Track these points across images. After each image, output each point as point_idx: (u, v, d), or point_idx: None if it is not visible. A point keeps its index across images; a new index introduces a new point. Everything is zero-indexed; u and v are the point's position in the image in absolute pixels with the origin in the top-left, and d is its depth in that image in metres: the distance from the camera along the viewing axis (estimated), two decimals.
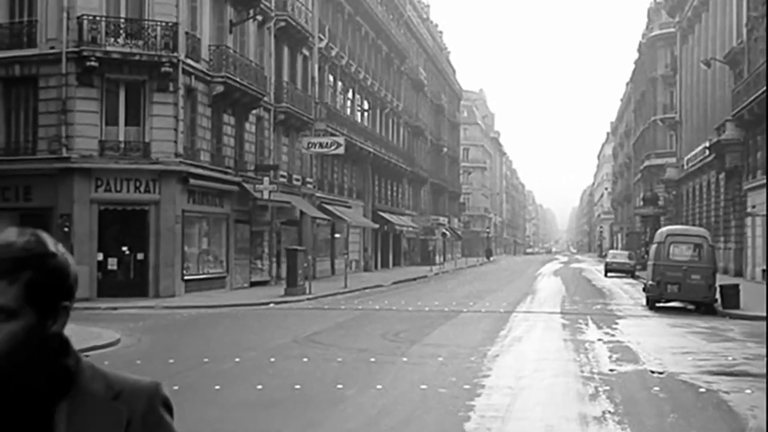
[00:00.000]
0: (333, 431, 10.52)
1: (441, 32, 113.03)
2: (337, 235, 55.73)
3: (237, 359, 15.96)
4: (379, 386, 13.47)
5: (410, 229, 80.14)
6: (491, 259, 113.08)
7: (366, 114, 66.53)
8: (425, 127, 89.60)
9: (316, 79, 52.93)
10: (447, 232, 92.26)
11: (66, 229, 32.57)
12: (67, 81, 32.96)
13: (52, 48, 33.02)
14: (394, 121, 76.51)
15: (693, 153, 63.25)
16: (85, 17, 32.78)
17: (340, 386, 13.32)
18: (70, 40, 32.89)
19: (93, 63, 32.71)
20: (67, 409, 2.14)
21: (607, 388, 13.48)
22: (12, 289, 2.04)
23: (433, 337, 20.71)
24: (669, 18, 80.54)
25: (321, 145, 48.58)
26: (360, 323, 24.68)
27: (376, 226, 65.60)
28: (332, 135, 51.00)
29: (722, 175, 52.69)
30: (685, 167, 67.68)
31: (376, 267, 67.25)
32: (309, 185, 51.22)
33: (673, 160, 76.43)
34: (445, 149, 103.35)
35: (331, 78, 57.17)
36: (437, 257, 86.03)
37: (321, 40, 53.34)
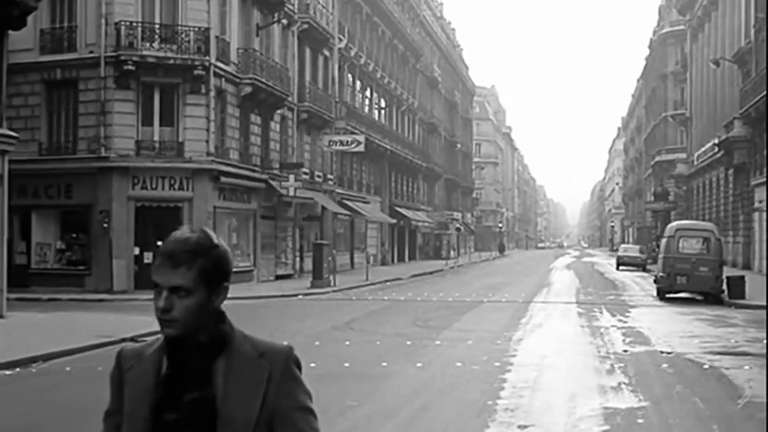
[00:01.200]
0: (391, 396, 12.20)
1: (454, 29, 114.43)
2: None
3: (285, 342, 17.59)
4: (419, 364, 15.24)
5: (425, 224, 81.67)
6: (504, 253, 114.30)
7: (383, 112, 68.14)
8: (439, 124, 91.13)
9: (336, 79, 54.58)
10: (461, 227, 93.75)
11: (105, 225, 34.30)
12: (105, 84, 34.63)
13: (91, 52, 34.69)
14: (410, 118, 78.07)
15: (703, 149, 64.68)
16: (122, 23, 34.42)
17: (384, 364, 15.04)
18: (108, 45, 34.52)
19: (130, 67, 34.36)
20: (224, 363, 2.76)
21: (622, 365, 15.28)
22: (190, 273, 2.67)
23: (461, 324, 22.51)
24: (680, 16, 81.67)
25: (342, 143, 50.31)
26: (389, 312, 26.43)
27: (394, 221, 67.29)
28: (352, 133, 52.66)
29: (731, 172, 54.14)
30: (695, 163, 69.05)
31: (392, 261, 68.83)
32: (330, 182, 52.90)
33: (684, 155, 77.62)
34: (459, 145, 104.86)
35: (350, 77, 58.79)
36: (451, 252, 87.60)
37: (341, 40, 54.98)
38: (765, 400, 11.40)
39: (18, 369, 15.14)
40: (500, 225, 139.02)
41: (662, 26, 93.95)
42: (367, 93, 63.81)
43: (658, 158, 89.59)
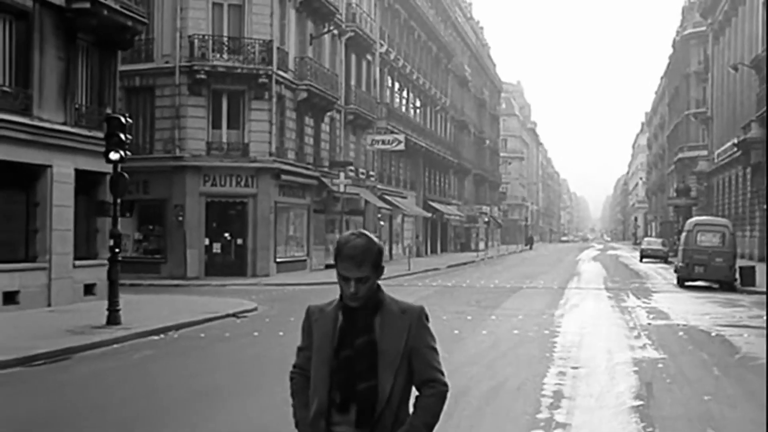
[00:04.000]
0: (472, 352, 15.98)
1: (482, 28, 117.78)
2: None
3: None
4: (484, 332, 19.14)
5: (456, 217, 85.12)
6: (532, 247, 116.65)
7: (418, 111, 71.81)
8: (469, 121, 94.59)
9: (378, 81, 58.36)
10: (489, 220, 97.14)
11: (180, 218, 38.16)
12: (179, 91, 38.47)
13: (166, 62, 38.52)
14: (442, 116, 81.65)
15: (723, 148, 67.71)
16: (195, 36, 38.26)
17: (456, 332, 18.83)
18: (183, 56, 38.38)
19: (202, 76, 38.20)
20: (380, 318, 4.05)
21: (646, 332, 19.29)
22: (367, 268, 3.96)
23: (508, 304, 26.42)
24: (702, 18, 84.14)
25: (384, 142, 54.38)
26: (442, 295, 30.23)
27: (430, 215, 71.03)
28: (392, 132, 56.50)
29: (748, 170, 57.31)
30: (716, 161, 71.99)
31: (426, 253, 72.43)
32: (372, 178, 56.68)
33: (705, 153, 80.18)
34: (487, 141, 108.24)
35: (389, 79, 62.48)
36: (480, 244, 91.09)
37: (382, 45, 58.70)
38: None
39: (162, 335, 18.99)
40: (526, 219, 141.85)
41: (685, 27, 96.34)
42: (405, 93, 67.48)
43: (680, 155, 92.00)
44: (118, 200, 21.01)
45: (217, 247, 39.24)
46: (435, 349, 4.15)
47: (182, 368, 15.10)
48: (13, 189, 23.45)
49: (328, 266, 47.38)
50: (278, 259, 41.07)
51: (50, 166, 24.11)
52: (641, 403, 11.37)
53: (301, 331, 4.24)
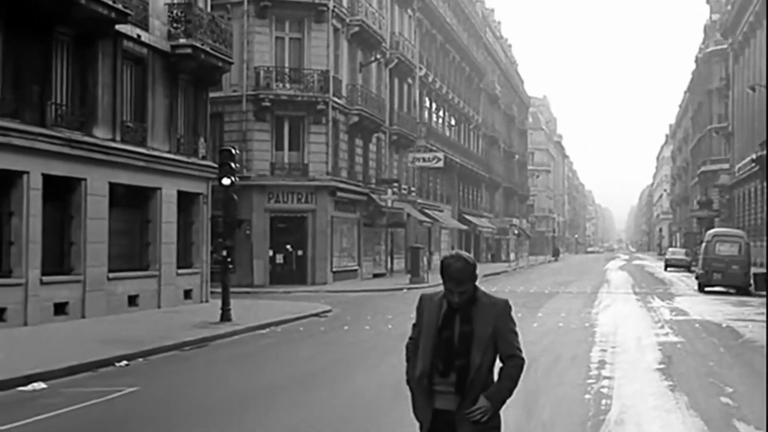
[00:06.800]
0: (530, 337, 19.89)
1: (510, 46, 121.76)
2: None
3: (411, 315, 25.32)
4: (535, 324, 23.33)
5: (488, 229, 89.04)
6: (558, 258, 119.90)
7: (453, 129, 75.93)
8: (499, 136, 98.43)
9: (417, 103, 62.58)
10: (519, 232, 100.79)
11: (248, 232, 42.28)
12: (246, 117, 42.60)
13: (234, 91, 42.70)
14: (474, 133, 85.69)
15: (743, 162, 70.91)
16: (260, 68, 42.48)
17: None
18: (249, 85, 42.54)
19: (266, 103, 42.36)
20: (476, 308, 5.33)
21: (669, 325, 23.83)
22: (468, 283, 5.27)
23: (550, 305, 30.73)
24: (722, 37, 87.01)
25: (424, 160, 58.70)
26: None
27: (466, 227, 75.15)
28: (431, 150, 60.77)
29: (765, 184, 60.92)
30: (736, 175, 75.15)
31: None
32: (413, 193, 60.85)
33: (727, 166, 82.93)
34: (516, 156, 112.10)
35: (427, 100, 66.59)
36: (511, 255, 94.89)
37: (421, 69, 62.91)
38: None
39: (268, 330, 23.16)
40: (553, 230, 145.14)
41: (707, 45, 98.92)
42: (441, 113, 71.57)
43: (703, 168, 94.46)
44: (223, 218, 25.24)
45: (279, 258, 43.20)
46: (515, 332, 5.50)
47: (304, 350, 19.23)
48: (131, 209, 27.80)
49: (375, 275, 51.60)
50: (334, 269, 45.14)
51: (160, 189, 28.46)
52: (663, 366, 15.79)
53: (416, 313, 5.54)
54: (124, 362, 16.50)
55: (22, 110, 21.68)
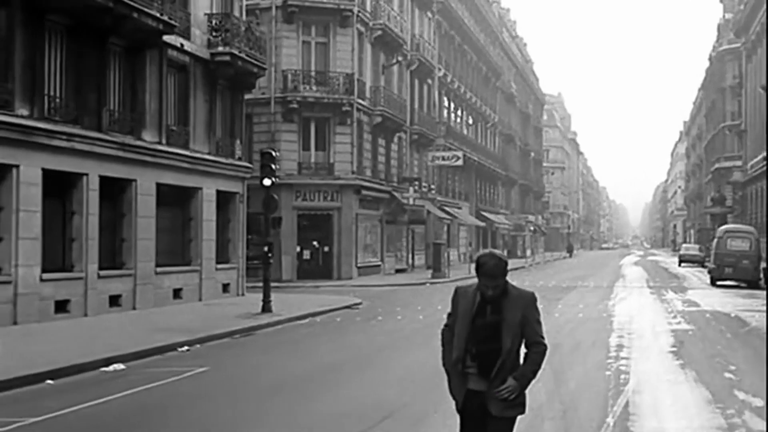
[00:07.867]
0: (552, 326, 21.62)
1: (525, 44, 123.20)
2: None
3: (439, 307, 26.79)
4: (556, 314, 25.04)
5: (504, 225, 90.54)
6: (573, 254, 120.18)
7: (470, 127, 77.52)
8: (515, 134, 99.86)
9: (437, 103, 64.22)
10: (535, 229, 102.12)
11: (276, 229, 44.07)
12: (274, 118, 44.26)
13: (263, 94, 44.28)
14: (491, 131, 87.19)
15: (756, 159, 72.09)
16: (288, 71, 44.19)
17: None
18: (277, 88, 44.19)
19: (294, 105, 44.04)
20: (506, 299, 5.94)
21: (681, 314, 25.61)
22: (501, 279, 5.89)
23: (569, 298, 32.41)
24: (735, 36, 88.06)
25: (443, 158, 60.37)
26: None
27: (483, 224, 76.74)
28: (450, 149, 62.42)
29: None
30: (749, 172, 76.34)
31: None
32: (432, 191, 62.47)
33: (740, 164, 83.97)
34: (532, 153, 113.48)
35: (446, 100, 68.19)
36: (526, 251, 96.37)
37: (440, 70, 64.51)
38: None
39: (307, 320, 24.88)
40: (568, 227, 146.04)
41: (721, 43, 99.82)
42: (459, 112, 73.16)
43: (717, 165, 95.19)
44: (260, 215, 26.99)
45: (306, 254, 44.85)
46: (539, 321, 6.06)
47: (347, 338, 20.94)
48: (175, 207, 29.59)
49: (397, 271, 53.24)
50: (358, 264, 46.82)
51: (201, 188, 30.24)
52: (675, 349, 17.62)
53: (451, 303, 6.09)
54: (186, 347, 18.26)
55: (82, 116, 23.50)
